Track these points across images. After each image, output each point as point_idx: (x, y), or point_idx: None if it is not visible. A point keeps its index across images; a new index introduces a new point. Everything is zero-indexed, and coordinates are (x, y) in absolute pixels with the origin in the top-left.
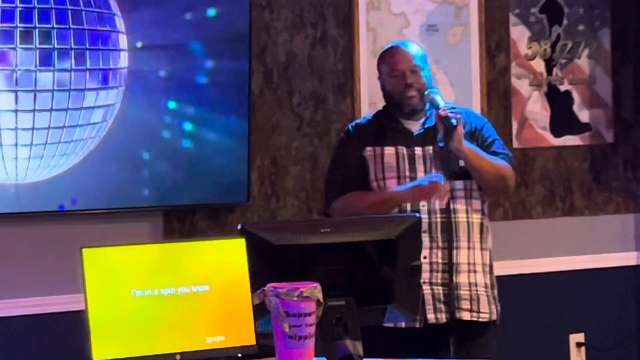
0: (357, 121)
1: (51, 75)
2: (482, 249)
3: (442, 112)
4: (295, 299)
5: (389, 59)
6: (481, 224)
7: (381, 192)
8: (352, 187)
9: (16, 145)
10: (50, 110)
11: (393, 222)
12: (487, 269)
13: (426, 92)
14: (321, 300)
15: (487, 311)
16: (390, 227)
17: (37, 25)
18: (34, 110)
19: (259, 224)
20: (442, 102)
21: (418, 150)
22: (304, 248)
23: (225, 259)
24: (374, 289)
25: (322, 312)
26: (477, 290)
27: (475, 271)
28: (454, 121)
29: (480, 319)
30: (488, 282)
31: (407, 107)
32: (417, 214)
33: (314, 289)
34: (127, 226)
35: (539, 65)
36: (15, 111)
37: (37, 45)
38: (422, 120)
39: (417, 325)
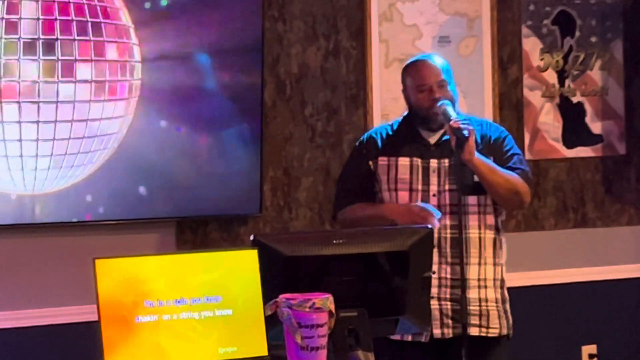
0: (371, 132)
1: (72, 86)
2: (494, 264)
3: (453, 124)
4: (308, 310)
5: (416, 73)
6: (494, 239)
7: (377, 207)
8: (356, 199)
9: (36, 156)
10: (72, 121)
11: (405, 233)
12: (499, 283)
13: (438, 104)
14: (333, 311)
15: (497, 326)
16: (402, 238)
17: (59, 37)
18: (55, 122)
19: (271, 235)
20: (454, 114)
21: (434, 163)
22: (316, 259)
23: (237, 270)
24: (386, 300)
25: (334, 323)
26: (487, 306)
27: (486, 287)
28: (465, 132)
29: (490, 334)
30: (499, 296)
31: (434, 123)
32: (429, 225)
33: (326, 300)
34: (140, 237)
35: (551, 76)
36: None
37: (59, 57)
38: (442, 132)
39: (423, 340)
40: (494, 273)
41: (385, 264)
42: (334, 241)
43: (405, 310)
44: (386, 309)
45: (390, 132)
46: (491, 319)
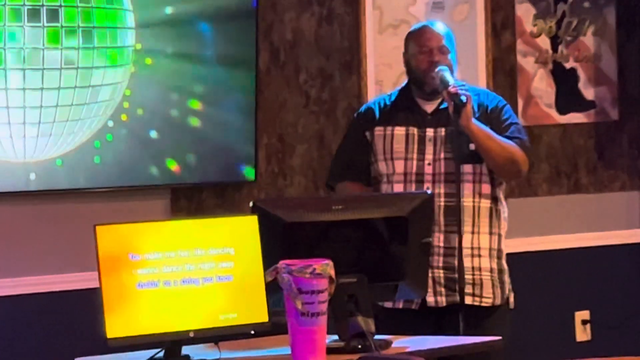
0: (369, 103)
1: (59, 53)
2: (490, 233)
3: (451, 89)
4: (308, 276)
5: (419, 37)
6: (490, 209)
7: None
8: (352, 173)
9: (24, 123)
10: (58, 88)
11: (404, 199)
12: (495, 253)
13: (436, 70)
14: (333, 277)
15: (491, 296)
16: (401, 204)
17: (45, 3)
18: (42, 89)
19: (270, 201)
20: (451, 80)
21: (430, 132)
22: (316, 225)
23: (238, 236)
24: (385, 266)
25: (334, 289)
26: (480, 275)
27: (480, 255)
28: (463, 98)
29: (483, 304)
30: (495, 266)
31: (428, 87)
32: (429, 191)
33: (326, 266)
34: (135, 204)
35: (544, 42)
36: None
37: (45, 24)
38: (439, 101)
39: (414, 307)
40: (490, 242)
41: (384, 230)
42: (334, 207)
43: (405, 276)
44: (385, 275)
45: (388, 103)
46: (485, 288)
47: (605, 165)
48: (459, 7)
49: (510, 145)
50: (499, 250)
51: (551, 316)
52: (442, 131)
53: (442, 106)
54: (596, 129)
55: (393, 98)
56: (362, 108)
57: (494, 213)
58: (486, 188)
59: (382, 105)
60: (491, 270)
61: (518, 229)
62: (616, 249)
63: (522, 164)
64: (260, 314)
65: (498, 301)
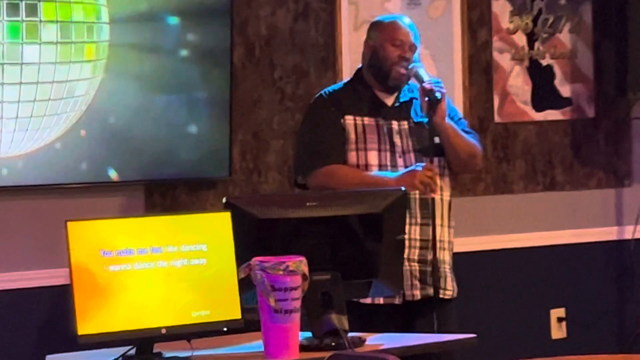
0: (329, 88)
1: (37, 48)
2: (449, 226)
3: (427, 86)
4: (281, 273)
5: (393, 30)
6: (450, 202)
7: (367, 174)
8: (334, 157)
9: (1, 118)
10: (37, 83)
11: (379, 196)
12: (451, 246)
13: (410, 66)
14: (307, 274)
15: (451, 288)
16: (376, 201)
17: None
18: (20, 84)
19: (243, 198)
20: (426, 76)
21: (394, 124)
22: (289, 222)
23: (210, 233)
24: (359, 263)
25: (308, 286)
26: (445, 268)
27: (443, 249)
28: (438, 95)
29: (446, 296)
30: (449, 259)
31: (392, 80)
32: (403, 188)
33: (299, 263)
34: (109, 200)
35: (520, 39)
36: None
37: (24, 18)
38: (396, 94)
39: (397, 302)
40: (448, 235)
41: (358, 227)
42: (307, 204)
43: (379, 273)
44: (359, 272)
45: (347, 92)
46: (448, 281)
47: (581, 162)
48: (435, 3)
49: (472, 140)
50: (451, 243)
51: (527, 314)
52: (404, 124)
53: (401, 99)
54: (572, 126)
55: (349, 87)
56: (323, 94)
57: (451, 206)
58: (447, 181)
59: (341, 94)
60: (449, 263)
61: (494, 227)
62: (592, 246)
63: (480, 158)
64: (233, 311)
65: (455, 294)
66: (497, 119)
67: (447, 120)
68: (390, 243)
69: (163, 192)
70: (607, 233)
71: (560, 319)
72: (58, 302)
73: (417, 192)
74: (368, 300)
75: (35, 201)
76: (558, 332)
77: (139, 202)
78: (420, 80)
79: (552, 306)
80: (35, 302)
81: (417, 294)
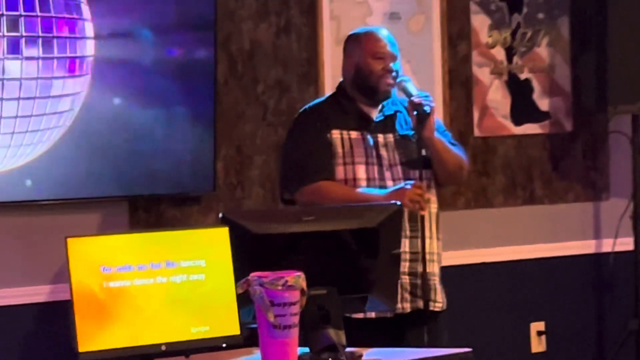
0: (313, 103)
1: (19, 63)
2: (438, 238)
3: (416, 100)
4: (280, 288)
5: (373, 42)
6: (437, 214)
7: (356, 192)
8: (322, 172)
9: None
10: (18, 99)
11: (374, 210)
12: (440, 258)
13: (398, 80)
14: (305, 289)
15: (441, 300)
16: (371, 215)
17: (5, 12)
18: (1, 99)
19: (240, 212)
20: (414, 90)
21: (380, 138)
22: (286, 237)
23: (209, 248)
24: (355, 278)
25: (305, 301)
26: (434, 280)
27: (432, 261)
28: (427, 108)
29: (436, 308)
30: (438, 271)
31: (381, 94)
32: (398, 202)
33: (298, 278)
34: (92, 216)
35: (499, 53)
36: None
37: (5, 33)
38: (380, 107)
39: (389, 315)
40: (437, 247)
41: (354, 241)
42: (304, 218)
43: (374, 288)
44: (355, 287)
45: (331, 106)
46: (438, 293)
47: (560, 176)
48: (415, 17)
49: (458, 153)
50: (440, 255)
51: (506, 327)
52: (390, 137)
53: (385, 112)
54: (551, 140)
55: (332, 102)
56: (307, 109)
57: (439, 218)
58: (434, 193)
59: (326, 109)
60: (439, 275)
61: (474, 240)
62: (571, 259)
63: (466, 170)
64: (232, 327)
65: (444, 306)
66: (476, 132)
67: (435, 134)
68: (385, 258)
69: (147, 207)
70: (586, 246)
71: (540, 333)
72: (41, 319)
73: (406, 209)
74: (360, 315)
75: (18, 218)
76: (538, 345)
77: (123, 218)
78: (409, 95)
79: (532, 319)
80: (13, 321)
81: (407, 306)
